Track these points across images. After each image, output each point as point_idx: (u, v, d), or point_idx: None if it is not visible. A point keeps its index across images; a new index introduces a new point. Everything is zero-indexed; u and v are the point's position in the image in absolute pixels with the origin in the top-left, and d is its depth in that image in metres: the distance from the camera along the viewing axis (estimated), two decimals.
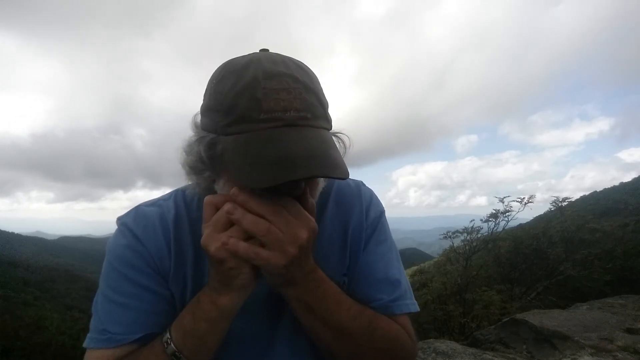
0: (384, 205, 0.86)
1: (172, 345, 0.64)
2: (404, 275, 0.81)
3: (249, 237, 0.57)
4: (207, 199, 0.61)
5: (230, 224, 0.58)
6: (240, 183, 0.58)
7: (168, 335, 0.66)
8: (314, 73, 0.67)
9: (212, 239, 0.57)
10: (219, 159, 0.62)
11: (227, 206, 0.58)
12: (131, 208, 0.79)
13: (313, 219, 0.61)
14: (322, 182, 0.74)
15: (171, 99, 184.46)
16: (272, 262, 0.57)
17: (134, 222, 0.75)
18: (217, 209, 0.59)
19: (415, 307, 0.79)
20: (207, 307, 0.63)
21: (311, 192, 0.66)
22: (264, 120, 0.57)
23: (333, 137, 0.70)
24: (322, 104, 0.64)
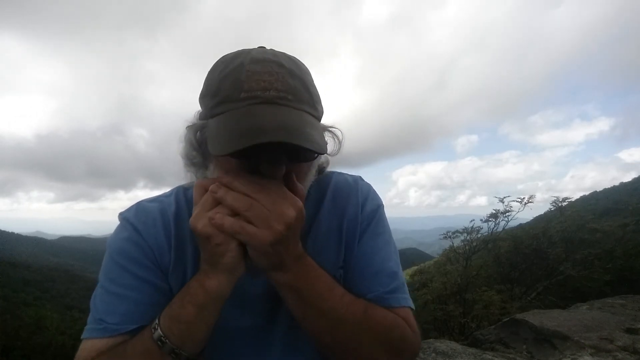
0: (384, 204, 0.86)
1: (159, 330, 0.64)
2: (401, 271, 0.80)
3: (235, 215, 0.58)
4: (197, 182, 0.62)
5: (217, 203, 0.59)
6: (214, 155, 0.60)
7: (157, 321, 0.65)
8: (305, 67, 0.68)
9: (200, 218, 0.58)
10: (206, 142, 0.64)
11: (212, 186, 0.59)
12: (133, 204, 0.80)
13: (300, 200, 0.60)
14: (312, 171, 0.74)
15: (175, 100, 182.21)
16: (258, 238, 0.56)
17: (135, 216, 0.76)
18: (206, 191, 0.60)
19: (409, 302, 0.77)
20: (196, 291, 0.63)
21: (297, 177, 0.65)
22: (243, 99, 0.59)
23: (326, 131, 0.71)
24: (309, 92, 0.65)
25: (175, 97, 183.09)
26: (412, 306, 0.77)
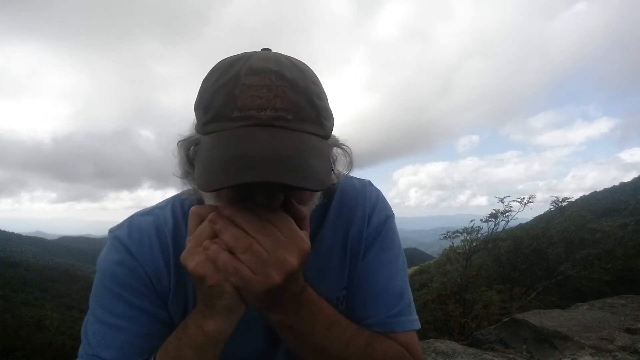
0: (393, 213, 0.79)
1: None
2: (408, 289, 0.73)
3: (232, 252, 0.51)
4: (193, 209, 0.55)
5: (214, 235, 0.52)
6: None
7: None
8: (313, 75, 0.59)
9: (193, 254, 0.51)
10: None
11: (211, 215, 0.52)
12: (124, 219, 0.72)
13: (306, 240, 0.53)
14: (318, 193, 0.67)
15: (188, 104, 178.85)
16: (251, 284, 0.50)
17: (128, 235, 0.68)
18: (202, 220, 0.53)
19: (416, 324, 0.72)
20: (193, 332, 0.56)
21: (300, 200, 0.58)
22: (236, 119, 0.52)
23: (335, 149, 0.65)
24: (315, 106, 0.56)
25: (189, 101, 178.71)
26: (416, 326, 0.72)
